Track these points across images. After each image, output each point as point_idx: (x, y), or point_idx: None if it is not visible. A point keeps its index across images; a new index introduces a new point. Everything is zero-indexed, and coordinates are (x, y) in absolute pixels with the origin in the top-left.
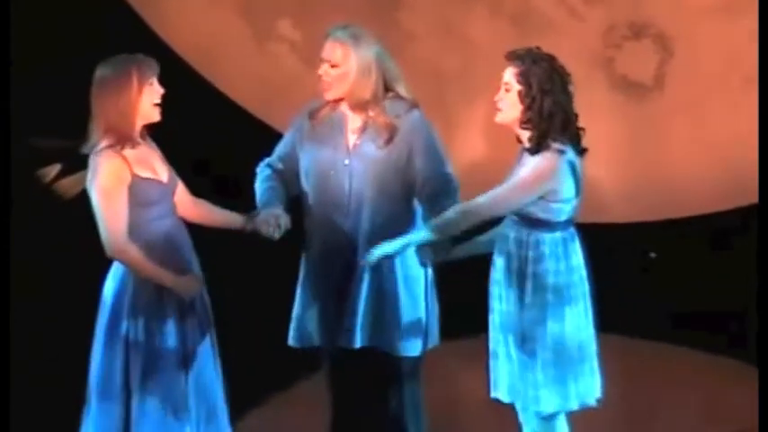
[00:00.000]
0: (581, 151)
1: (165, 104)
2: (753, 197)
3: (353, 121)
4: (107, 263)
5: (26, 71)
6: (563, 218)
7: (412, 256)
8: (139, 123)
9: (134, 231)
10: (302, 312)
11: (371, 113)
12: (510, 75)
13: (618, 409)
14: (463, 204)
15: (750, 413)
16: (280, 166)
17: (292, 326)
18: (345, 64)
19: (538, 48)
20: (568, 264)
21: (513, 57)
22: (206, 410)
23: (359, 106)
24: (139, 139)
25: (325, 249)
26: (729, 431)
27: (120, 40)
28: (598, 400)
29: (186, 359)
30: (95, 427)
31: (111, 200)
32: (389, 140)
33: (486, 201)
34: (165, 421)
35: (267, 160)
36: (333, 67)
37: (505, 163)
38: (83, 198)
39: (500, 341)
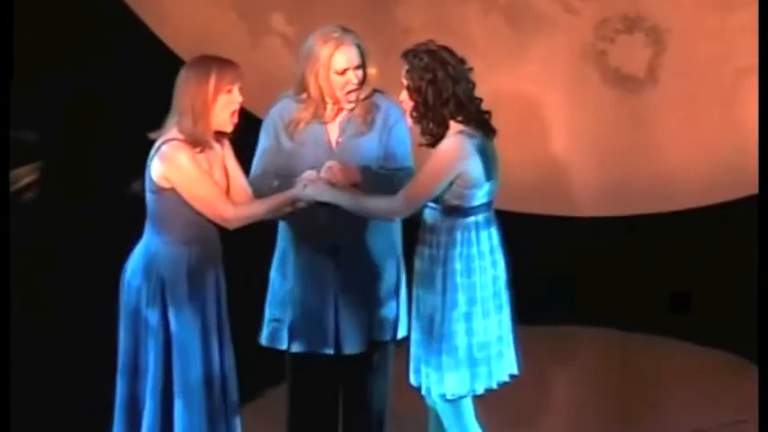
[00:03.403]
0: (490, 133)
1: (160, 99)
2: (746, 189)
3: (332, 118)
4: (104, 261)
5: (23, 69)
6: (476, 203)
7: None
8: (213, 128)
9: (187, 227)
10: (292, 317)
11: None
12: (402, 74)
13: (615, 402)
14: (391, 200)
15: (748, 406)
16: (269, 174)
17: (268, 327)
18: (364, 64)
19: (429, 41)
20: (479, 249)
21: (402, 56)
22: (225, 398)
23: (366, 103)
24: (212, 143)
25: (308, 255)
26: (725, 421)
27: (114, 34)
28: (500, 384)
29: (208, 344)
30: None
31: (201, 180)
32: (372, 122)
33: (404, 198)
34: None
35: (251, 177)
36: (358, 69)
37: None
38: (82, 196)
39: (414, 326)
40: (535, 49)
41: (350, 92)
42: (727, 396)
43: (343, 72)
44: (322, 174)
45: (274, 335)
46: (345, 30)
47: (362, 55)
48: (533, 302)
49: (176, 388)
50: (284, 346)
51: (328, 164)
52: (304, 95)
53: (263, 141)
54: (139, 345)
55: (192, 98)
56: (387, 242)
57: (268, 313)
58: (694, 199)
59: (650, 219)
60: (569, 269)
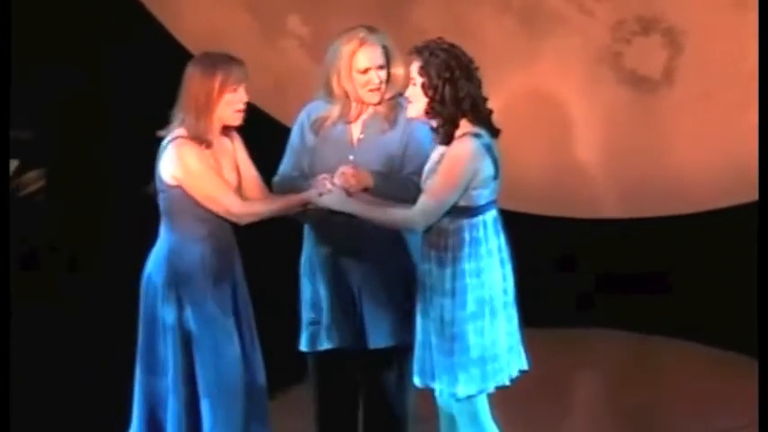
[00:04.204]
0: (495, 133)
1: (174, 98)
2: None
3: (356, 117)
4: (119, 261)
5: (32, 65)
6: (483, 202)
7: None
8: (217, 125)
9: (199, 223)
10: (316, 316)
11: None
12: (414, 69)
13: (627, 404)
14: (411, 212)
15: (750, 407)
16: (296, 173)
17: (306, 330)
18: (388, 64)
19: (440, 38)
20: (488, 247)
21: (415, 51)
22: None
23: (391, 101)
24: (218, 139)
25: (331, 253)
26: (729, 426)
27: (129, 35)
28: (512, 380)
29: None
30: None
31: (207, 176)
32: (395, 121)
33: (423, 207)
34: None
35: (278, 176)
36: (380, 69)
37: (512, 158)
38: (94, 196)
39: (420, 328)
40: (550, 51)
41: (372, 90)
42: (737, 399)
43: (365, 71)
44: (335, 179)
45: (312, 338)
46: (372, 30)
47: (388, 55)
48: (546, 304)
49: (201, 388)
50: (322, 347)
51: (341, 169)
52: (332, 96)
53: (292, 139)
54: (157, 342)
55: (196, 95)
56: (411, 240)
57: (304, 317)
58: (709, 201)
59: (665, 220)
60: (582, 271)
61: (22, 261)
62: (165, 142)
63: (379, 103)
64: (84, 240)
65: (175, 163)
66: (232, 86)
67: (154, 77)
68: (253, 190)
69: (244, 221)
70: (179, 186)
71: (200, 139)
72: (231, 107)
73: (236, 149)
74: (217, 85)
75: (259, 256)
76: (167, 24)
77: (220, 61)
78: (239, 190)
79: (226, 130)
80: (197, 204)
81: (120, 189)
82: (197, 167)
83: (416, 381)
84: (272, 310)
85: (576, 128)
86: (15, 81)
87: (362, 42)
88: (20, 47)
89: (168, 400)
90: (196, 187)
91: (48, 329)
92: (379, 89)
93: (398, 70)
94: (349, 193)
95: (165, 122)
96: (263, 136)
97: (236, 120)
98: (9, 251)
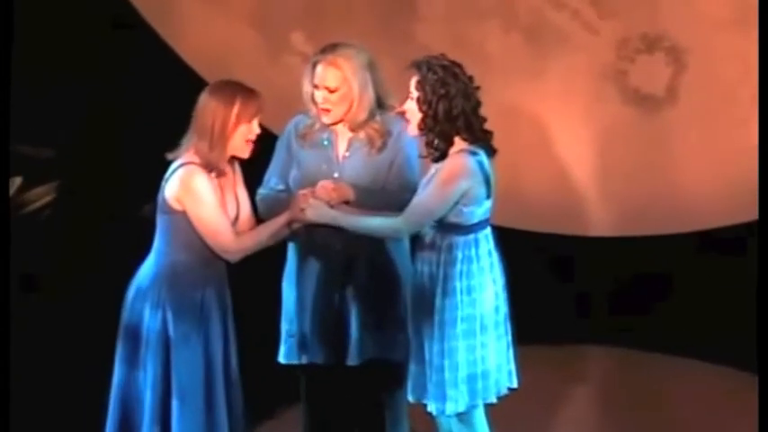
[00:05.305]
0: (491, 152)
1: (178, 117)
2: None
3: (344, 133)
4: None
5: (34, 82)
6: (475, 220)
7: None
8: (229, 154)
9: (194, 247)
10: (299, 328)
11: (366, 128)
12: (412, 83)
13: (627, 420)
14: (394, 221)
15: (750, 424)
16: (281, 186)
17: (286, 342)
18: (343, 86)
19: (442, 55)
20: (480, 265)
21: (414, 65)
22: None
23: (358, 125)
24: (227, 169)
25: (318, 265)
26: None
27: (133, 52)
28: (499, 397)
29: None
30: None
31: (213, 209)
32: (382, 147)
33: (410, 216)
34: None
35: (263, 188)
36: (331, 92)
37: (516, 176)
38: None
39: (413, 344)
40: (554, 69)
41: (321, 109)
42: (737, 416)
43: (316, 87)
44: (316, 193)
45: (291, 351)
46: (335, 48)
47: (347, 81)
48: (547, 321)
49: (173, 390)
50: (300, 360)
51: (321, 183)
52: (304, 105)
53: (279, 151)
54: (140, 351)
55: (212, 123)
56: (400, 252)
57: (284, 329)
58: (713, 220)
59: (667, 238)
60: (584, 289)
61: (23, 271)
62: (174, 165)
63: (333, 124)
64: (87, 252)
65: (184, 188)
66: (248, 117)
67: (158, 96)
68: (245, 225)
69: (235, 259)
70: (182, 212)
71: (211, 167)
72: (244, 138)
73: (236, 179)
74: (234, 115)
75: (254, 267)
76: (172, 42)
77: (239, 91)
78: (236, 220)
79: (230, 159)
80: (195, 231)
81: (125, 205)
82: (205, 197)
83: (410, 396)
84: (268, 325)
85: (580, 145)
86: (21, 98)
87: (323, 59)
88: (23, 64)
89: (144, 396)
90: (200, 217)
91: (48, 330)
92: (327, 110)
93: (367, 93)
94: (330, 206)
95: (165, 141)
96: (266, 152)
97: (246, 152)
98: (9, 258)
